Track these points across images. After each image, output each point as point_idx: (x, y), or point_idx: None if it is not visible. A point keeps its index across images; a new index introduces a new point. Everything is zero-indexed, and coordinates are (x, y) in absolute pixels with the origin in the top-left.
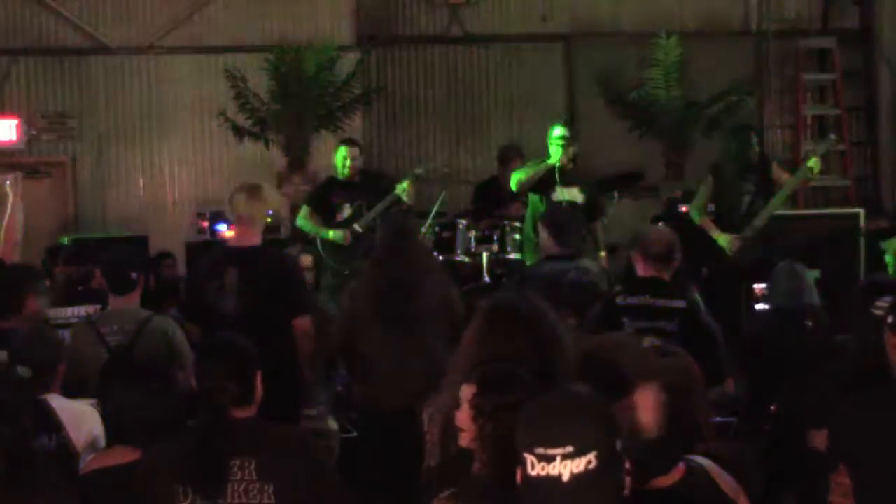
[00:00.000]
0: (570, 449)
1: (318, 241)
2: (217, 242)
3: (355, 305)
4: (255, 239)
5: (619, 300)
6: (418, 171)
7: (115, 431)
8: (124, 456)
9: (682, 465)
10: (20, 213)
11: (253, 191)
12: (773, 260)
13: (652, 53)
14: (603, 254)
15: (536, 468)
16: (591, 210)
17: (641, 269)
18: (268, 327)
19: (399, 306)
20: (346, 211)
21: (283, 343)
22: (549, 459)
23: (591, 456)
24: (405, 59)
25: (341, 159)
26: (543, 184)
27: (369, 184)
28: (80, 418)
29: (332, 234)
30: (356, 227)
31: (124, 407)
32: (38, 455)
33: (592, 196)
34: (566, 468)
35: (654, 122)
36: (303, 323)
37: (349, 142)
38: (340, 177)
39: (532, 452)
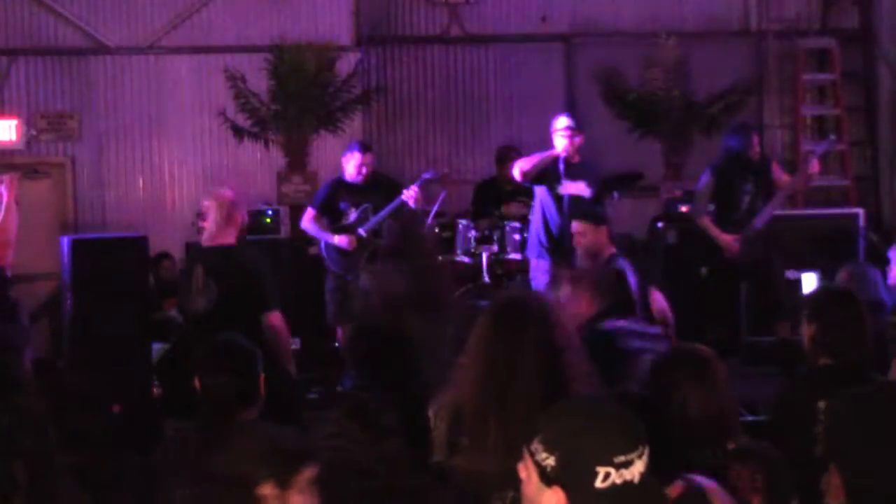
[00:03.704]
0: (641, 449)
1: (322, 245)
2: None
3: None
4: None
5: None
6: (427, 175)
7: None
8: None
9: (680, 484)
10: (14, 215)
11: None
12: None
13: (652, 53)
14: None
15: (612, 477)
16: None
17: None
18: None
19: None
20: (352, 215)
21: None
22: (629, 464)
23: (647, 450)
24: (405, 59)
25: (355, 164)
26: (549, 176)
27: (377, 187)
28: None
29: (336, 239)
30: (360, 232)
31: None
32: (60, 467)
33: (599, 192)
34: (638, 468)
35: (654, 122)
36: (274, 318)
37: (366, 147)
38: (349, 179)
39: (610, 463)
